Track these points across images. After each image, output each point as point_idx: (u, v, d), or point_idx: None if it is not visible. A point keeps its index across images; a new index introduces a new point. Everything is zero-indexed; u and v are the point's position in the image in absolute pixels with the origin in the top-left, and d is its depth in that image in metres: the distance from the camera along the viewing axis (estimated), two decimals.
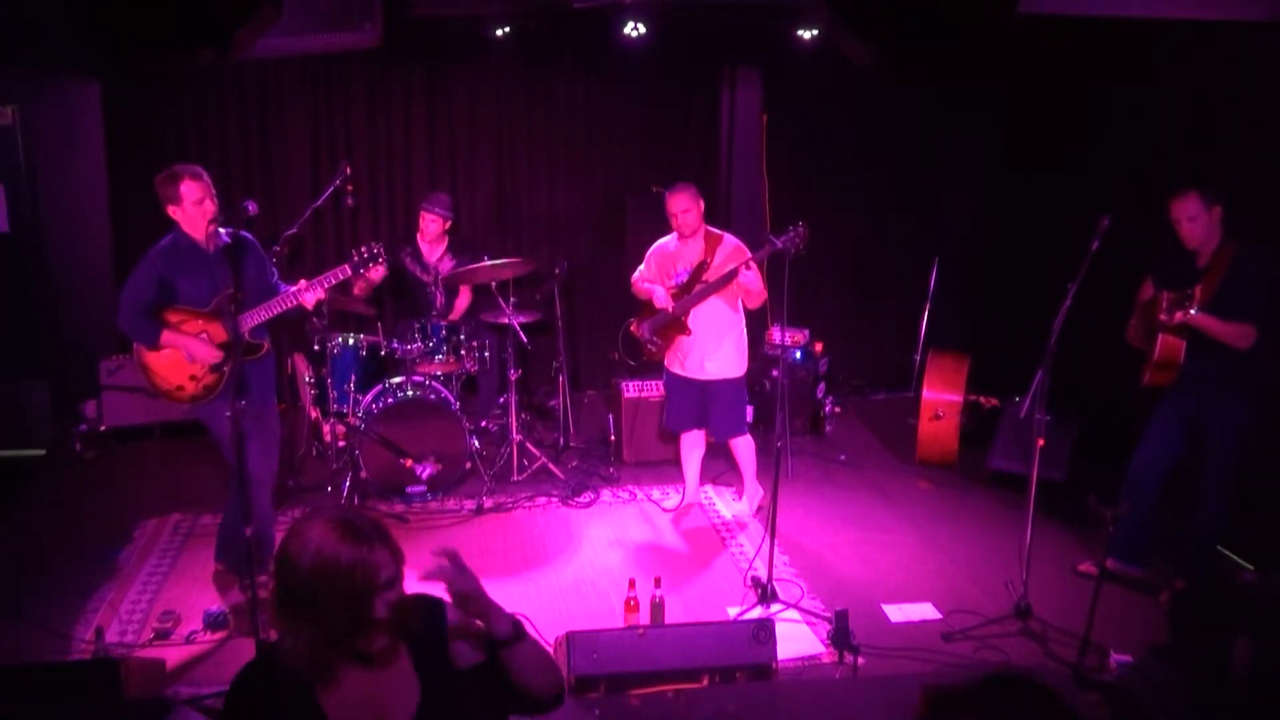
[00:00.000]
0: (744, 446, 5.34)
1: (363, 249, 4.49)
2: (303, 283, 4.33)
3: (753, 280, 4.80)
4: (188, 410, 4.37)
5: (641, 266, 5.31)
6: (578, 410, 6.92)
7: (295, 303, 4.29)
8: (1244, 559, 4.83)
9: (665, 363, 5.27)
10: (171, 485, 5.71)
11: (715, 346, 5.09)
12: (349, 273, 4.44)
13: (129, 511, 5.34)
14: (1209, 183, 4.24)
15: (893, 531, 5.30)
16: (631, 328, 5.35)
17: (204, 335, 4.20)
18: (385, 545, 1.94)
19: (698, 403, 5.24)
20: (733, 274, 4.84)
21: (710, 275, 5.00)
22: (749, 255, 4.88)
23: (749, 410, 5.64)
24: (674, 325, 5.12)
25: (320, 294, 4.35)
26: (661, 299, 5.10)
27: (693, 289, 5.04)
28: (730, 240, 5.07)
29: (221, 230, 4.17)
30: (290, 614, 1.91)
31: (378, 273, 4.99)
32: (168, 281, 4.14)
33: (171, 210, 4.15)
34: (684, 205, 4.97)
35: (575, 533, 5.25)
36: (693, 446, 5.46)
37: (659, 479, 5.89)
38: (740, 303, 5.07)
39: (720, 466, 6.03)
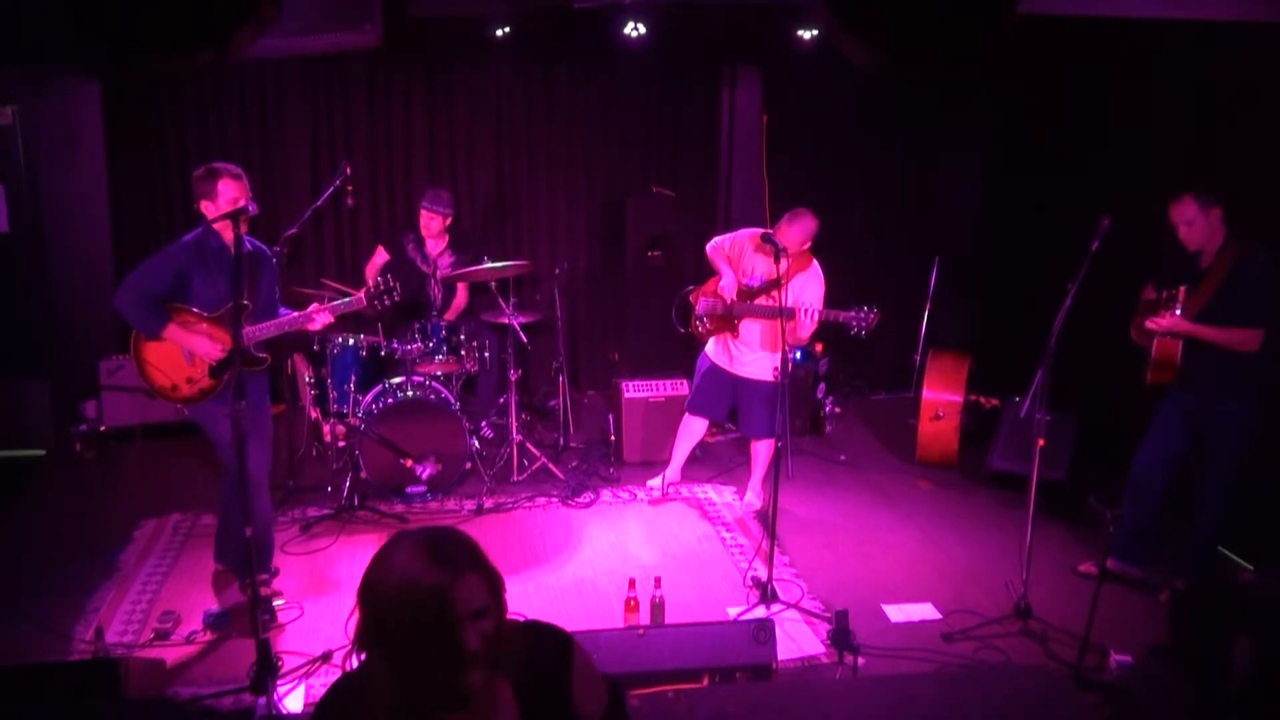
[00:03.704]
0: (764, 450, 5.37)
1: (379, 282, 4.52)
2: (314, 306, 4.36)
3: (804, 328, 4.82)
4: (179, 410, 4.36)
5: (723, 238, 5.27)
6: (578, 410, 6.92)
7: (303, 325, 4.32)
8: (1244, 559, 4.83)
9: (705, 349, 5.33)
10: (171, 485, 5.71)
11: (755, 352, 5.12)
12: (363, 303, 4.47)
13: (129, 511, 5.34)
14: (1207, 185, 4.24)
15: (893, 531, 5.30)
16: (690, 296, 5.39)
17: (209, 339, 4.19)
18: (478, 571, 1.73)
19: (727, 395, 5.30)
20: (791, 312, 4.79)
21: (777, 295, 4.98)
22: (818, 304, 4.87)
23: None
24: (725, 321, 5.15)
25: (329, 319, 4.38)
26: (727, 288, 5.09)
27: (755, 299, 5.04)
28: (814, 272, 5.01)
29: (245, 238, 4.16)
30: (373, 645, 1.73)
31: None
32: (184, 278, 4.09)
33: (204, 206, 4.07)
34: (803, 236, 4.88)
35: (575, 533, 5.25)
36: (692, 433, 5.52)
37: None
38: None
39: (722, 466, 6.04)
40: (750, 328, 5.12)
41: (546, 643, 1.89)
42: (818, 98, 7.31)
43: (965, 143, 7.56)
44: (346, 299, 4.50)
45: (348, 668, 1.79)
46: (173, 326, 4.10)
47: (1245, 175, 4.87)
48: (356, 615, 1.74)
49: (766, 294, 5.03)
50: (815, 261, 5.04)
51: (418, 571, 1.67)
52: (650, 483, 5.69)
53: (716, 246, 5.25)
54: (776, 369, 5.04)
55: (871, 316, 4.73)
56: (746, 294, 5.09)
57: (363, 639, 1.73)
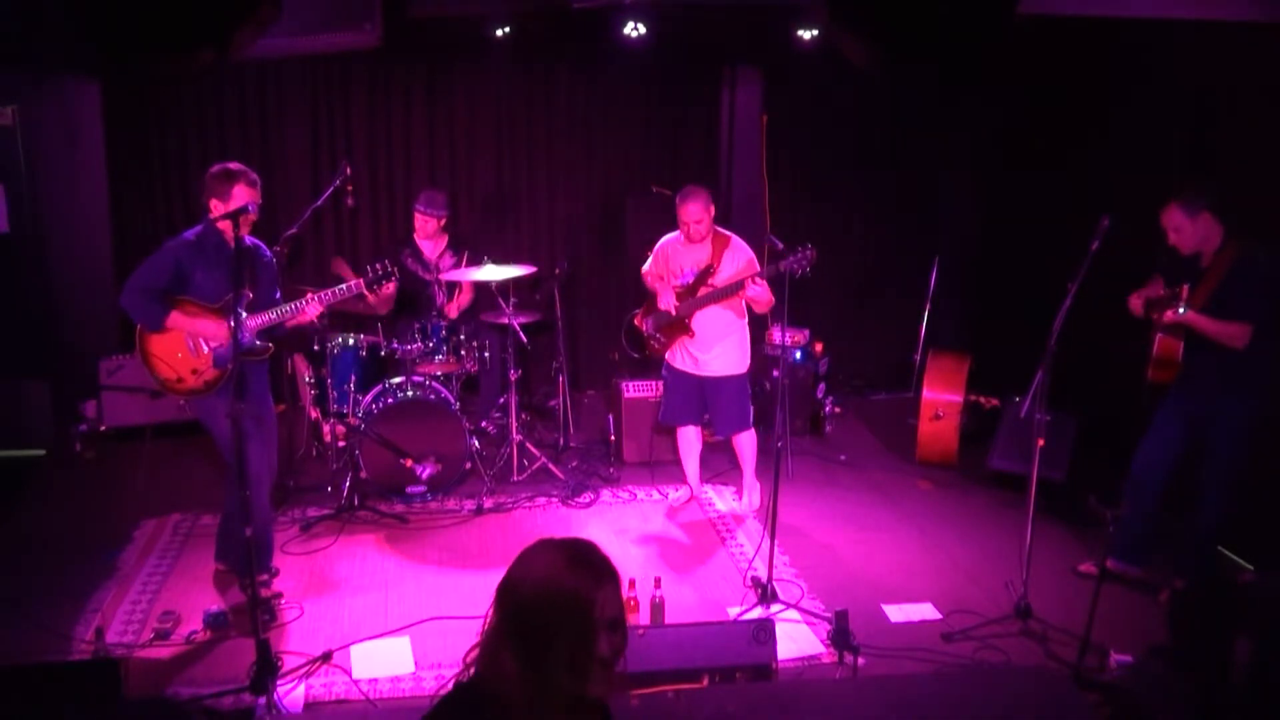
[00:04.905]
0: (747, 442, 5.35)
1: (376, 266, 4.49)
2: (308, 294, 4.34)
3: (760, 294, 4.81)
4: (185, 407, 4.35)
5: (650, 261, 5.33)
6: (578, 410, 6.92)
7: (301, 310, 4.30)
8: (1244, 559, 4.83)
9: (666, 357, 5.30)
10: (171, 485, 5.71)
11: (718, 346, 5.11)
12: (361, 288, 4.45)
13: (129, 511, 5.34)
14: (1197, 188, 4.22)
15: (893, 531, 5.30)
16: (636, 320, 5.39)
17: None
18: (615, 586, 1.77)
19: (698, 398, 5.27)
20: (739, 286, 4.85)
21: (716, 280, 5.00)
22: (756, 269, 4.88)
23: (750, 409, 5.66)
24: (677, 326, 5.14)
25: (319, 308, 4.36)
26: (666, 299, 5.11)
27: (697, 292, 5.05)
28: (738, 244, 5.05)
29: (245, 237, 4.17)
30: (505, 644, 1.74)
31: (389, 288, 4.84)
32: (185, 272, 4.12)
33: (213, 204, 4.10)
34: (695, 215, 4.96)
35: (575, 533, 5.20)
36: (690, 442, 5.49)
37: (659, 479, 5.89)
38: (745, 305, 5.08)
39: (721, 465, 6.03)
40: (704, 324, 5.10)
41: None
42: (818, 98, 7.31)
43: (965, 142, 7.56)
44: (342, 286, 4.43)
45: (468, 676, 1.81)
46: (176, 314, 4.12)
47: (1245, 175, 4.87)
48: (489, 618, 1.78)
49: (703, 283, 5.05)
50: (734, 235, 5.09)
51: (561, 572, 1.72)
52: (672, 496, 5.65)
53: (647, 272, 5.32)
54: (743, 360, 5.10)
55: (809, 253, 4.66)
56: (686, 292, 5.10)
57: (495, 639, 1.76)
